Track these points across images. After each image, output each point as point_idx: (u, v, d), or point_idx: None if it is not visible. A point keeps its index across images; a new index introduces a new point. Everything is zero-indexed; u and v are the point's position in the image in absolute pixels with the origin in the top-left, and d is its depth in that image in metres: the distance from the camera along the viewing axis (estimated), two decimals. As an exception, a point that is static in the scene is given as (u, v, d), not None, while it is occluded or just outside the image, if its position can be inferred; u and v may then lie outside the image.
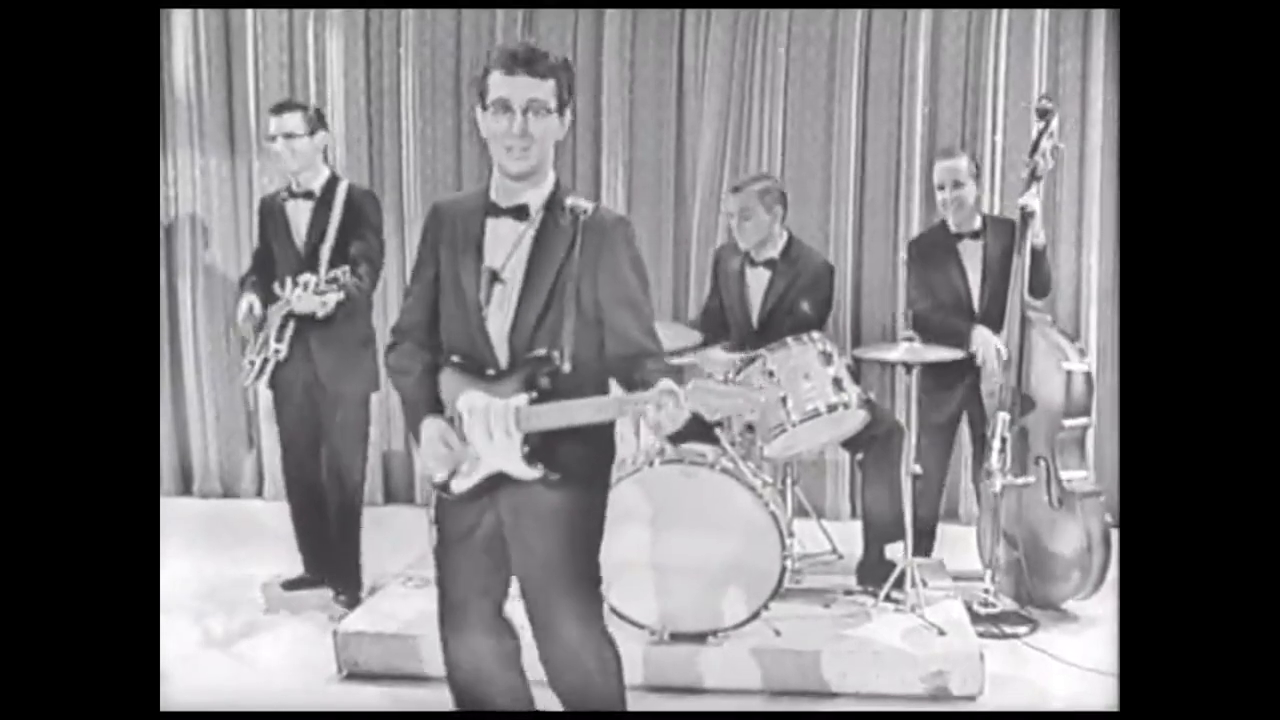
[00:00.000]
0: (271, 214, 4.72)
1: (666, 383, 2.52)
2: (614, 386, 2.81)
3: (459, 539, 2.87)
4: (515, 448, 2.70)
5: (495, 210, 2.77)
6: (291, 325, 4.54)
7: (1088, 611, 4.66)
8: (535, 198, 2.76)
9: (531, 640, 2.90)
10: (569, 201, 2.74)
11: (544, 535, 2.77)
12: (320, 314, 4.41)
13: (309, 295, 4.34)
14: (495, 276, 2.74)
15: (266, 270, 4.71)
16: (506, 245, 2.75)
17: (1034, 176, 4.66)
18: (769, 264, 4.78)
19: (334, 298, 4.32)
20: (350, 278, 4.35)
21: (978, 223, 4.91)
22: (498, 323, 2.74)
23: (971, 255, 4.90)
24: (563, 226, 2.72)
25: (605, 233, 2.72)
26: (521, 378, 2.70)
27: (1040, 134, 4.66)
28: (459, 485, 2.81)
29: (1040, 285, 4.75)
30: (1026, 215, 4.61)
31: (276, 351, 4.56)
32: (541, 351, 2.69)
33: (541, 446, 2.70)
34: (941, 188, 4.88)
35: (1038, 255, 4.68)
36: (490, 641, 2.92)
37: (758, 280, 4.81)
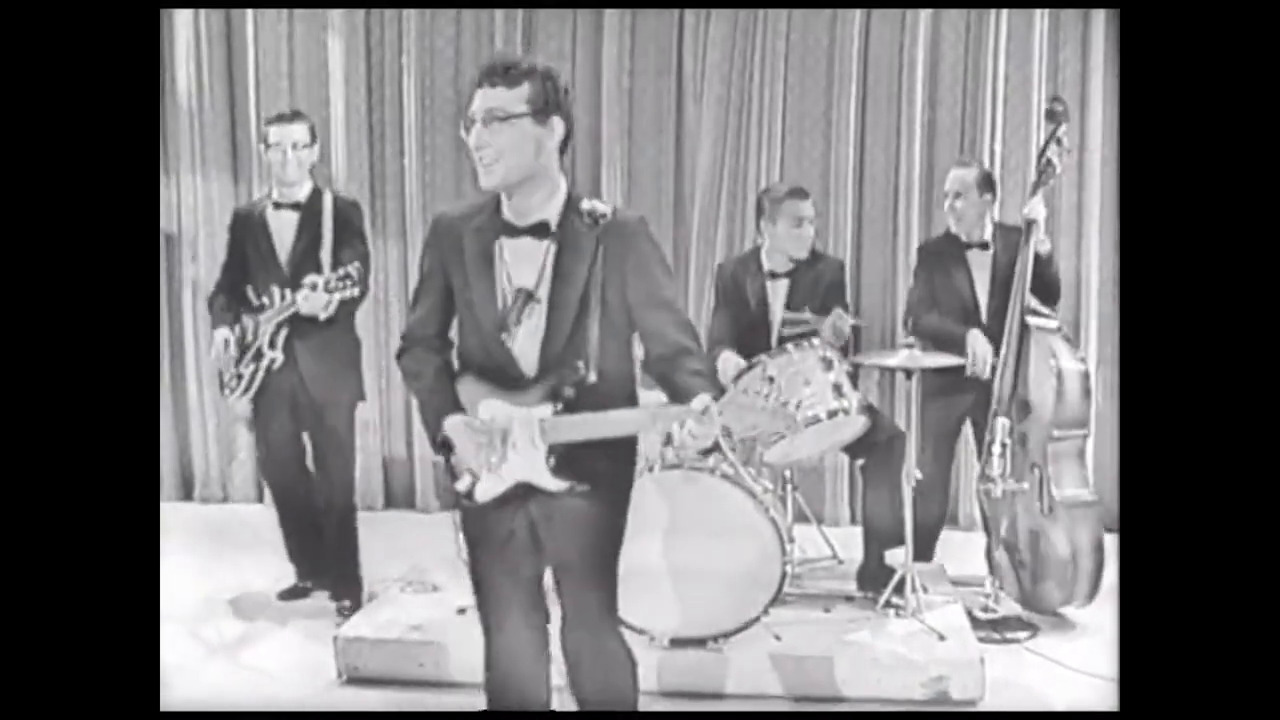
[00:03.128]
0: (249, 225, 4.70)
1: (703, 398, 2.50)
2: (642, 396, 2.80)
3: (497, 545, 2.84)
4: (540, 459, 2.68)
5: (512, 230, 2.72)
6: (284, 332, 4.55)
7: (1088, 617, 4.66)
8: (551, 212, 2.72)
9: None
10: (585, 205, 2.70)
11: (573, 539, 2.77)
12: (323, 315, 4.43)
13: (318, 295, 4.35)
14: (530, 296, 2.70)
15: (237, 286, 4.71)
16: (533, 263, 2.71)
17: (1040, 181, 4.66)
18: (789, 274, 4.80)
19: (347, 294, 4.35)
20: (359, 271, 4.37)
21: (987, 234, 4.92)
22: (527, 338, 2.71)
23: (980, 265, 4.91)
24: (583, 235, 2.68)
25: (627, 235, 2.70)
26: (546, 389, 2.68)
27: (1049, 137, 4.66)
28: (483, 493, 2.77)
29: (1047, 291, 4.75)
30: (1029, 223, 4.61)
31: (273, 361, 4.57)
32: (566, 365, 2.67)
33: (567, 457, 2.68)
34: (946, 195, 4.94)
35: (1042, 262, 4.68)
36: (529, 635, 2.91)
37: (781, 291, 4.82)
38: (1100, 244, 6.10)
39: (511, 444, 2.70)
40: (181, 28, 6.45)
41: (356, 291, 4.38)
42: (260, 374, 4.60)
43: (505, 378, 2.73)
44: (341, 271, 4.35)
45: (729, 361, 4.66)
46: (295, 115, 4.72)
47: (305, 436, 4.73)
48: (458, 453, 2.77)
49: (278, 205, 4.65)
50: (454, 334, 2.91)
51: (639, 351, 2.82)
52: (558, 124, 2.68)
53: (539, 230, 2.71)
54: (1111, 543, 4.46)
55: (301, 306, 4.41)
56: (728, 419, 2.50)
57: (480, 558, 2.90)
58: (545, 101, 2.64)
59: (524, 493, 2.76)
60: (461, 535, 2.94)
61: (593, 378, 2.64)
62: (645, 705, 3.79)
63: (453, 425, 2.76)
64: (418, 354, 2.88)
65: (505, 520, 2.81)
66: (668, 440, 2.63)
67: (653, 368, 2.75)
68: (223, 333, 4.65)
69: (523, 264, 2.72)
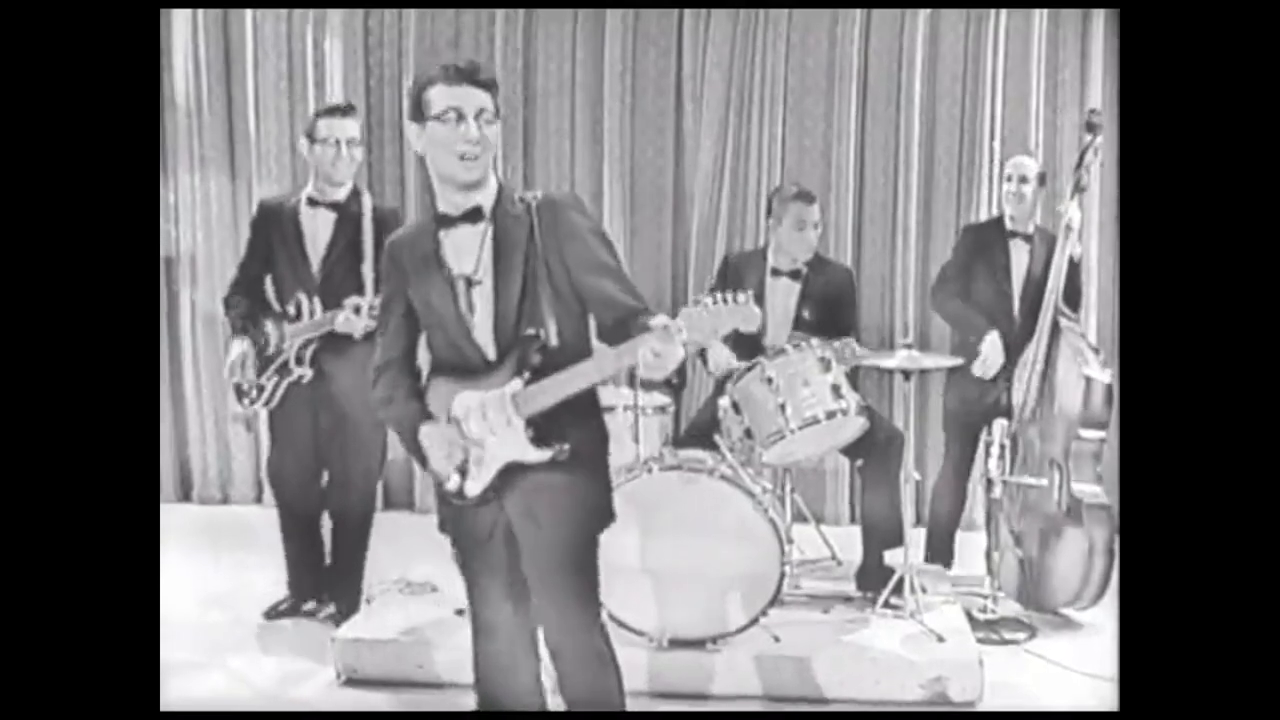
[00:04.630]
0: (278, 221, 4.49)
1: (661, 317, 2.51)
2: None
3: (479, 544, 2.87)
4: (519, 434, 2.71)
5: (448, 221, 2.80)
6: (313, 347, 4.42)
7: (1087, 618, 4.67)
8: (485, 199, 2.80)
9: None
10: (517, 194, 2.81)
11: (556, 514, 2.77)
12: (359, 336, 4.27)
13: (360, 319, 4.19)
14: (470, 282, 2.77)
15: (256, 283, 4.58)
16: (470, 249, 2.78)
17: (1078, 189, 4.72)
18: (795, 274, 4.81)
19: None
20: None
21: (1031, 228, 4.97)
22: (481, 323, 2.77)
23: (1020, 257, 4.97)
24: (516, 216, 2.77)
25: (558, 209, 2.79)
26: (512, 364, 2.72)
27: (1087, 148, 4.73)
28: (472, 488, 2.79)
29: (1073, 296, 4.83)
30: (1068, 228, 4.66)
31: (301, 377, 4.45)
32: (530, 331, 2.71)
33: (546, 428, 2.71)
34: (1009, 179, 4.97)
35: (1073, 266, 4.77)
36: (518, 636, 2.93)
37: (786, 292, 4.83)
38: (1099, 244, 6.11)
39: (490, 429, 2.71)
40: (179, 28, 6.44)
41: None
42: (283, 387, 4.48)
43: (473, 369, 2.78)
44: None
45: (719, 352, 4.66)
46: (349, 109, 4.51)
47: (324, 449, 4.59)
48: (431, 462, 2.82)
49: (314, 203, 4.46)
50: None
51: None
52: (499, 129, 2.80)
53: (473, 215, 2.78)
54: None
55: (340, 327, 4.28)
56: (689, 333, 2.46)
57: (468, 558, 2.93)
58: (499, 108, 2.77)
59: (501, 483, 2.78)
60: (450, 540, 2.96)
61: (554, 341, 2.69)
62: (642, 706, 3.82)
63: (424, 433, 2.81)
64: (388, 378, 2.91)
65: (485, 519, 2.85)
66: (631, 379, 2.64)
67: (607, 335, 2.76)
68: (240, 345, 4.48)
69: (462, 252, 2.80)
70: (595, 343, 2.85)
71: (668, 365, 2.48)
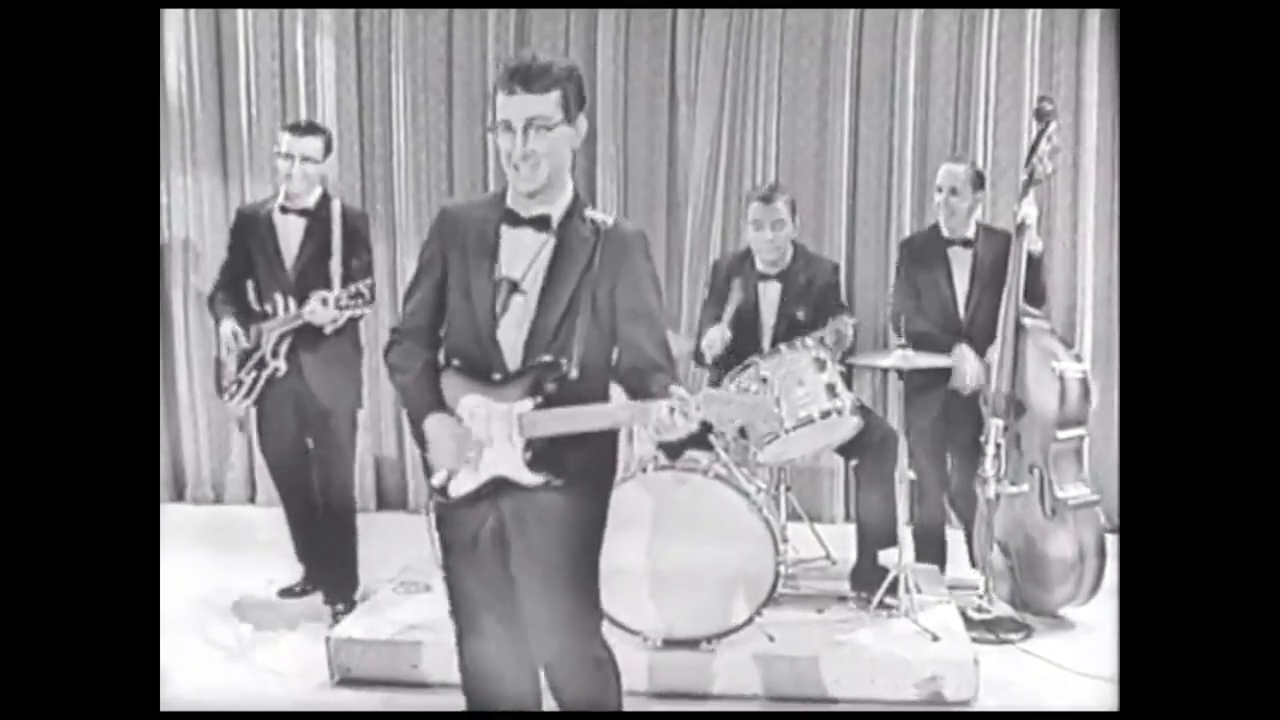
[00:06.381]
0: (254, 227, 4.67)
1: (680, 390, 2.54)
2: (616, 395, 2.80)
3: (465, 545, 2.86)
4: (517, 453, 2.71)
5: (514, 219, 2.76)
6: (287, 341, 4.55)
7: (1082, 617, 4.67)
8: (556, 209, 2.75)
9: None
10: (588, 214, 2.76)
11: (546, 539, 2.76)
12: (329, 330, 4.47)
13: (328, 310, 4.36)
14: (515, 287, 2.74)
15: (238, 285, 4.73)
16: (526, 255, 2.75)
17: (1031, 180, 4.60)
18: (780, 276, 4.80)
19: (357, 313, 4.39)
20: (371, 289, 4.41)
21: (970, 232, 4.90)
22: (512, 331, 2.74)
23: (961, 263, 4.90)
24: (583, 237, 2.73)
25: (625, 245, 2.75)
26: (527, 383, 2.70)
27: (1039, 136, 4.60)
28: (457, 489, 2.79)
29: (1036, 293, 4.73)
30: (1022, 225, 4.55)
31: (276, 370, 4.58)
32: (548, 357, 2.69)
33: (545, 451, 2.70)
34: (939, 190, 4.90)
35: (1034, 262, 4.66)
36: (504, 639, 2.91)
37: (773, 294, 4.80)
38: (1095, 244, 6.11)
39: (489, 440, 2.72)
40: (172, 27, 6.42)
41: (367, 311, 4.44)
42: (261, 382, 4.61)
43: (489, 371, 2.75)
44: (353, 289, 4.35)
45: (715, 332, 4.58)
46: (310, 128, 4.69)
47: (309, 440, 4.72)
48: (433, 451, 2.80)
49: (285, 210, 4.62)
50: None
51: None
52: (582, 124, 2.74)
53: (540, 223, 2.75)
54: (1112, 541, 4.47)
55: (311, 318, 4.42)
56: (707, 412, 2.50)
57: (452, 558, 2.91)
58: (574, 103, 2.69)
59: (496, 491, 2.77)
60: (436, 536, 2.96)
61: (574, 373, 2.67)
62: (638, 706, 3.83)
63: (432, 424, 2.78)
64: (406, 347, 2.89)
65: (475, 519, 2.83)
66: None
67: (624, 377, 2.78)
68: (229, 324, 4.63)
69: (517, 255, 2.76)
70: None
71: (677, 434, 2.53)
